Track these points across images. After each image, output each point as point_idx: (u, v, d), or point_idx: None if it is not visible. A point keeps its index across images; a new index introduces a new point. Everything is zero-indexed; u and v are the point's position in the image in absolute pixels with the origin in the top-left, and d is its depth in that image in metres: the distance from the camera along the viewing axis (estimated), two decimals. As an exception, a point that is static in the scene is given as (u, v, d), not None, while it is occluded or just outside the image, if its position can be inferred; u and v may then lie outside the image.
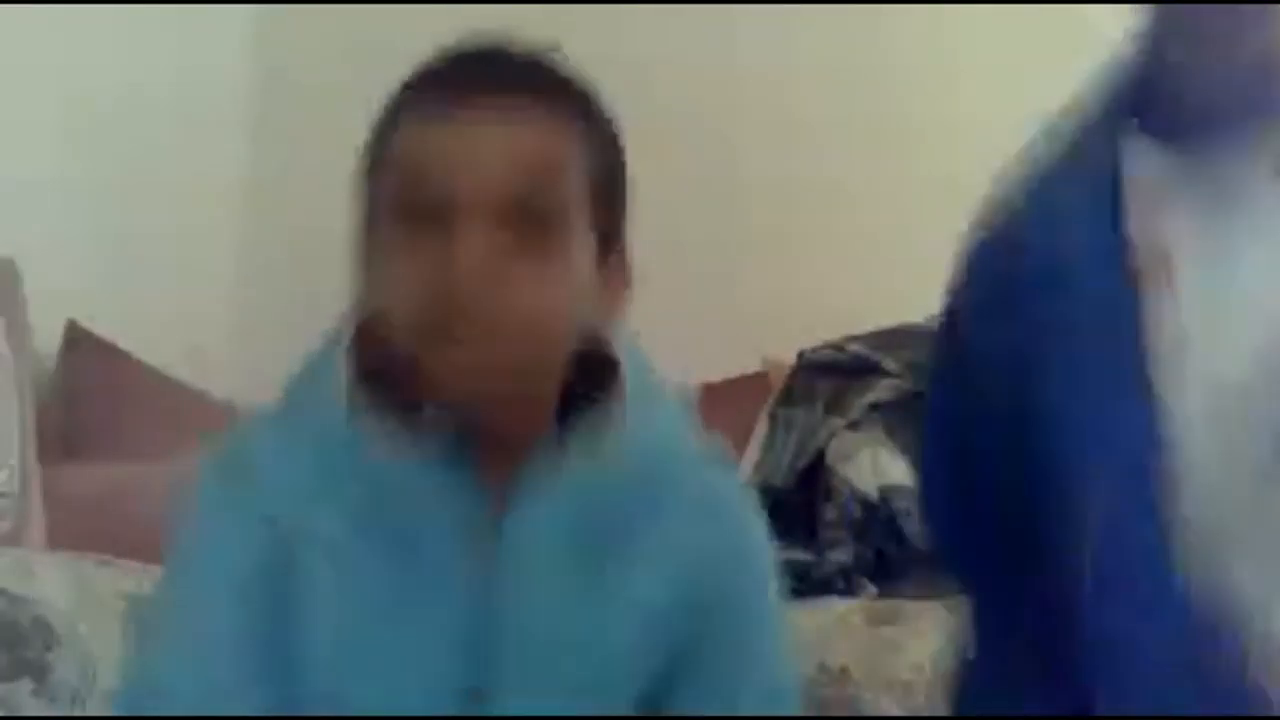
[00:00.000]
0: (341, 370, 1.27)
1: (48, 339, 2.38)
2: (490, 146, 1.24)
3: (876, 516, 2.41)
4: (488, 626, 1.23)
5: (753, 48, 2.78)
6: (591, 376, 1.29)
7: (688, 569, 1.26)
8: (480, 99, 1.27)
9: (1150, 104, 1.30)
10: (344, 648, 1.22)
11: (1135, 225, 1.24)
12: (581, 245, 1.25)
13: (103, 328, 2.43)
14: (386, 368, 1.25)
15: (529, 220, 1.22)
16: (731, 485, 1.36)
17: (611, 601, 1.25)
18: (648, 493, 1.27)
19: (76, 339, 2.41)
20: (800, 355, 2.60)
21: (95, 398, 2.37)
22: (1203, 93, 1.28)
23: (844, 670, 2.08)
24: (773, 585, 1.31)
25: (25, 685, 1.42)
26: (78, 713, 1.45)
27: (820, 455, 2.48)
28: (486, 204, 1.21)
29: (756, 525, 1.31)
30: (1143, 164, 1.26)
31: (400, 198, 1.26)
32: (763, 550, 1.31)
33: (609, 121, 1.33)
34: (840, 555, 2.39)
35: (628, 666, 1.25)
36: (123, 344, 2.44)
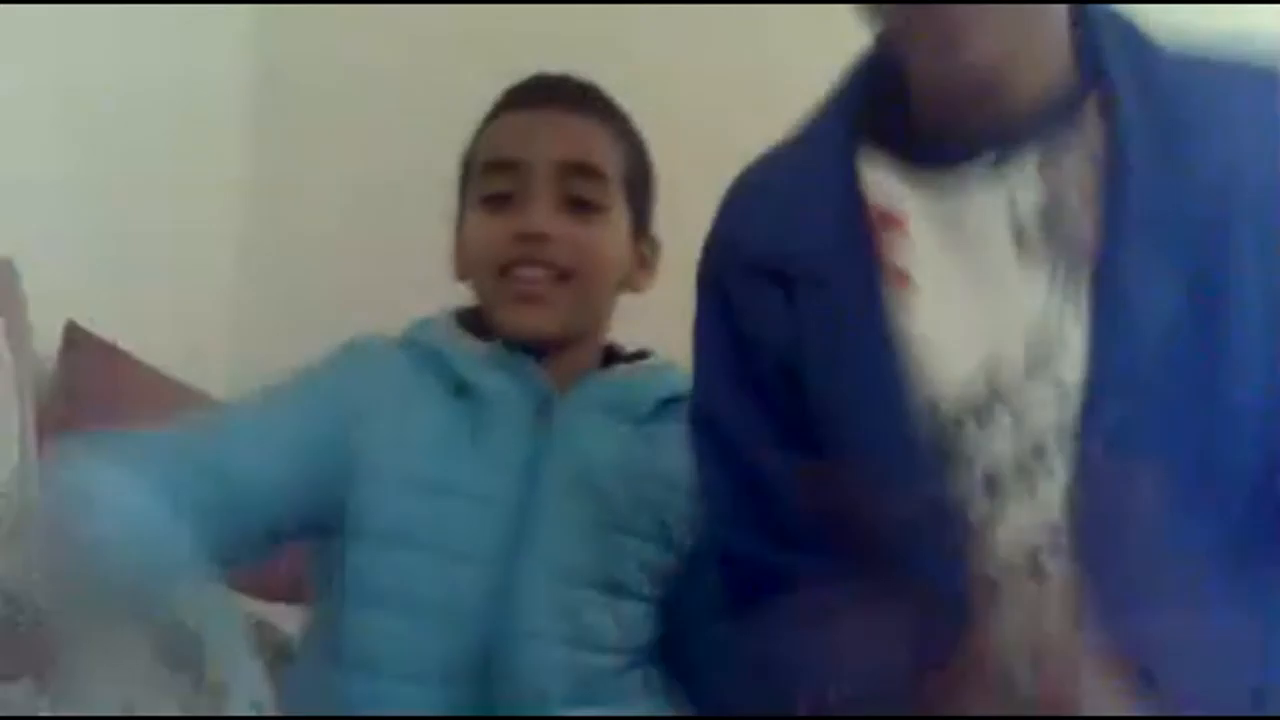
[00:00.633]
0: (444, 314, 1.65)
1: (47, 339, 2.38)
2: (555, 130, 1.63)
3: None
4: (541, 457, 1.55)
5: (752, 48, 2.78)
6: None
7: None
8: (549, 104, 1.66)
9: (881, 117, 1.27)
10: (415, 481, 1.53)
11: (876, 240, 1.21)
12: (620, 217, 1.65)
13: (102, 328, 2.43)
14: (474, 316, 1.63)
15: (583, 184, 1.60)
16: None
17: (644, 459, 1.57)
18: (666, 413, 1.60)
19: (76, 339, 2.41)
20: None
21: (95, 398, 2.37)
22: (928, 109, 1.23)
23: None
24: None
25: (27, 685, 1.42)
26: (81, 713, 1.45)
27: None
28: (551, 165, 1.59)
29: None
30: (879, 179, 1.23)
31: (487, 170, 1.62)
32: None
33: (640, 138, 1.72)
34: (840, 555, 2.39)
35: (655, 497, 1.56)
36: (123, 344, 2.44)
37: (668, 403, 1.63)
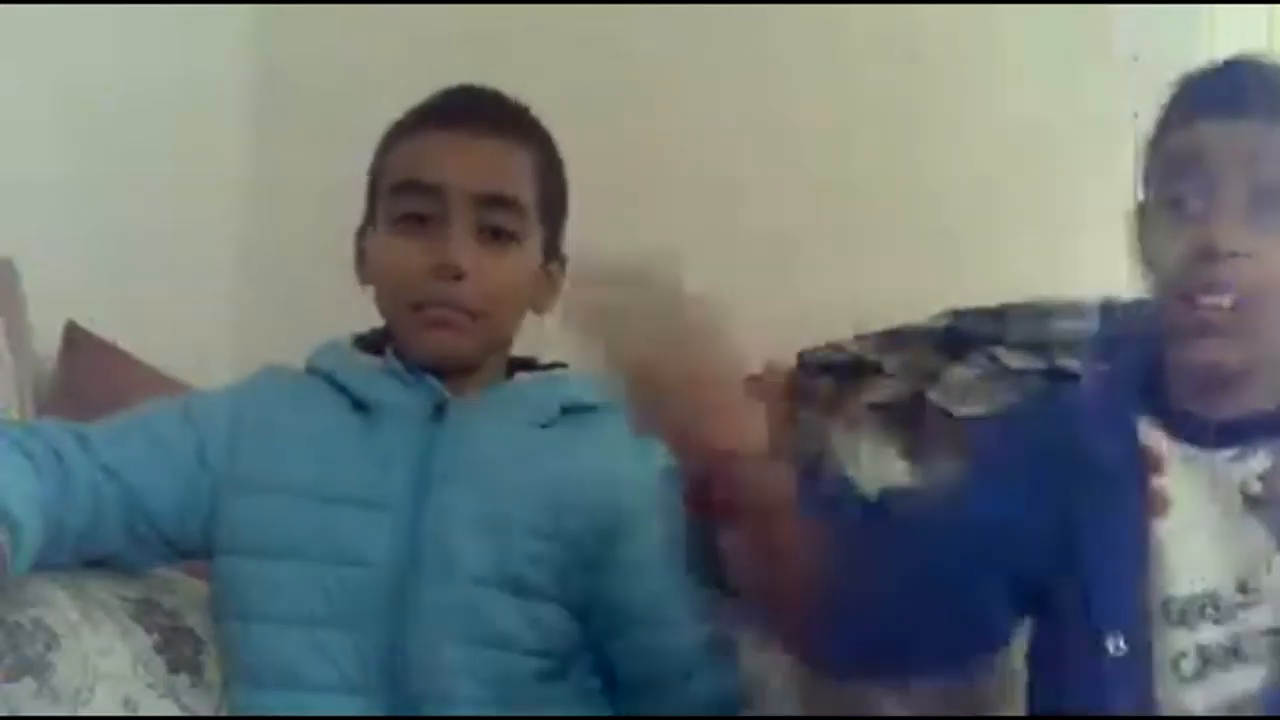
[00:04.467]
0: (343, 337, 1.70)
1: (47, 339, 2.38)
2: (474, 156, 1.64)
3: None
4: (434, 457, 1.59)
5: (752, 48, 2.78)
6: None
7: (595, 488, 1.60)
8: (469, 126, 1.66)
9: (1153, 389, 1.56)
10: (301, 492, 1.58)
11: None
12: (533, 244, 1.66)
13: (102, 328, 2.43)
14: (379, 339, 1.67)
15: (500, 214, 1.62)
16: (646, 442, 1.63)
17: (544, 460, 1.60)
18: (568, 420, 1.63)
19: (76, 339, 2.41)
20: (800, 355, 2.60)
21: (95, 398, 2.36)
22: (1182, 394, 1.54)
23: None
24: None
25: (27, 685, 1.42)
26: (81, 713, 1.45)
27: (820, 455, 2.48)
28: (469, 194, 1.61)
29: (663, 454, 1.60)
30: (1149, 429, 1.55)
31: (402, 189, 1.63)
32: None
33: (557, 156, 1.71)
34: (840, 555, 2.39)
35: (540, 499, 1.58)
36: (123, 344, 2.43)
37: (571, 410, 1.64)
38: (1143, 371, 1.56)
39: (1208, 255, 1.44)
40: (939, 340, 2.54)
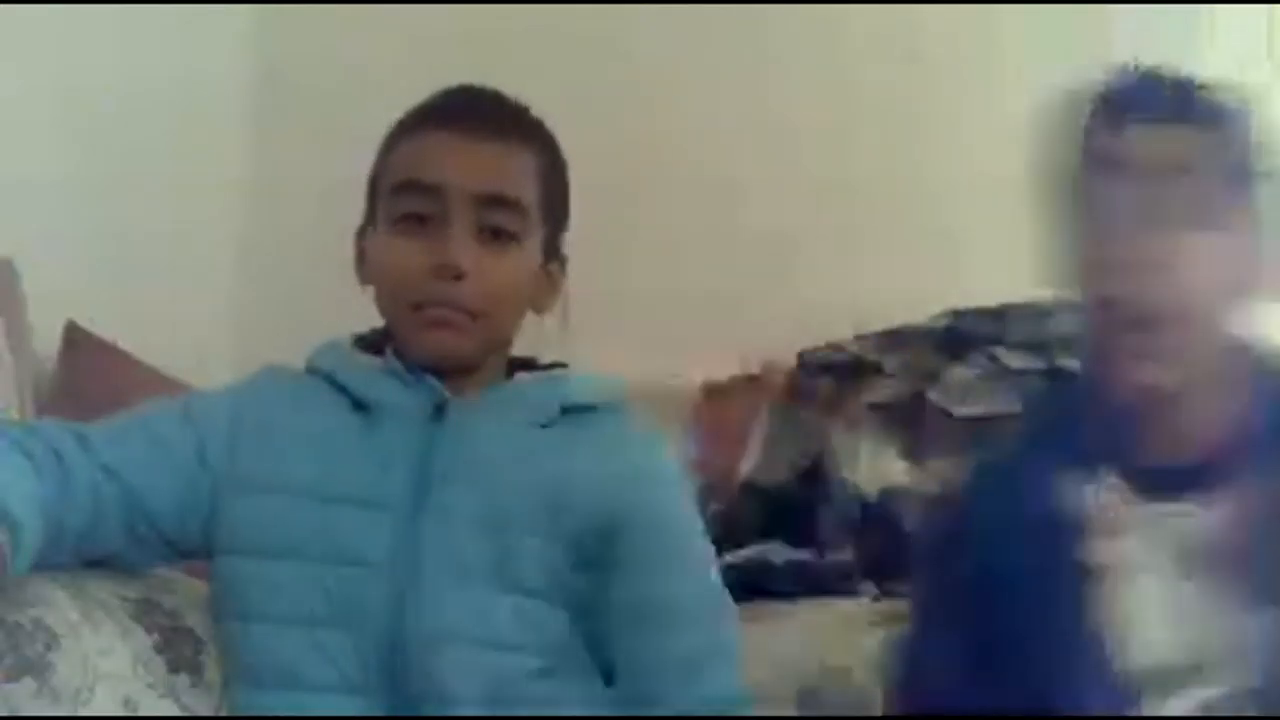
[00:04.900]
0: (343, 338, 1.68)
1: (47, 339, 2.38)
2: (475, 157, 1.62)
3: (876, 517, 2.41)
4: (433, 456, 1.57)
5: (752, 48, 2.78)
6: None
7: (594, 487, 1.57)
8: (471, 126, 1.63)
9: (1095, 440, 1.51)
10: (302, 492, 1.56)
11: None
12: (534, 244, 1.63)
13: (102, 328, 2.43)
14: (379, 339, 1.65)
15: (501, 214, 1.60)
16: (648, 437, 1.67)
17: (544, 460, 1.58)
18: (568, 420, 1.62)
19: (76, 339, 2.41)
20: (800, 355, 2.61)
21: (95, 398, 2.36)
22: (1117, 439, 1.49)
23: (845, 670, 2.08)
24: (685, 500, 1.65)
25: (27, 685, 1.42)
26: (81, 713, 1.45)
27: (820, 455, 2.48)
28: (470, 194, 1.59)
29: (663, 453, 1.68)
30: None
31: (403, 189, 1.61)
32: (670, 471, 1.67)
33: (560, 156, 1.68)
34: (840, 555, 2.39)
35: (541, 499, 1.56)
36: (123, 344, 2.43)
37: (571, 410, 1.63)
38: (1071, 421, 1.51)
39: (1111, 267, 1.39)
40: (939, 340, 2.54)
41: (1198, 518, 1.44)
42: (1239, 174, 1.42)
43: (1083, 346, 1.51)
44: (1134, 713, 1.43)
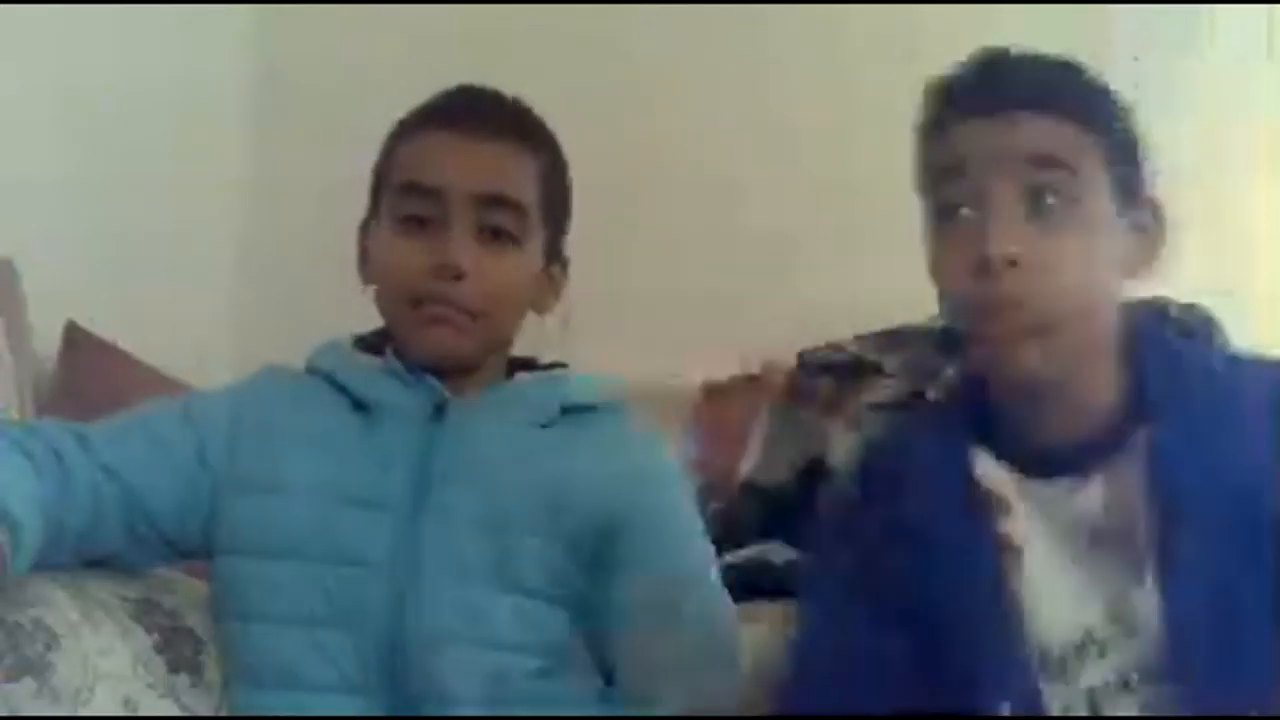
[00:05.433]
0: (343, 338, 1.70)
1: (47, 339, 2.38)
2: (476, 158, 1.63)
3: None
4: (433, 456, 1.58)
5: (752, 48, 2.78)
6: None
7: (594, 487, 1.58)
8: (472, 127, 1.64)
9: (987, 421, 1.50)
10: (303, 491, 1.57)
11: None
12: (535, 246, 1.65)
13: (102, 328, 2.43)
14: (379, 339, 1.67)
15: (501, 215, 1.61)
16: (648, 437, 1.68)
17: (543, 460, 1.59)
18: (568, 420, 1.63)
19: (76, 339, 2.41)
20: (800, 355, 2.60)
21: (95, 398, 2.36)
22: (1011, 426, 1.48)
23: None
24: (685, 500, 1.67)
25: (27, 685, 1.42)
26: (81, 713, 1.45)
27: (820, 455, 2.48)
28: (471, 195, 1.60)
29: (663, 453, 1.69)
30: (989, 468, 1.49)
31: (404, 190, 1.62)
32: (670, 471, 1.68)
33: (562, 158, 1.69)
34: (840, 555, 2.39)
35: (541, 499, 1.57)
36: (122, 344, 2.43)
37: (571, 410, 1.64)
38: (972, 402, 1.49)
39: (984, 268, 1.37)
40: (939, 340, 2.54)
41: (1082, 496, 1.44)
42: (1093, 157, 1.41)
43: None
44: (1044, 690, 1.42)
